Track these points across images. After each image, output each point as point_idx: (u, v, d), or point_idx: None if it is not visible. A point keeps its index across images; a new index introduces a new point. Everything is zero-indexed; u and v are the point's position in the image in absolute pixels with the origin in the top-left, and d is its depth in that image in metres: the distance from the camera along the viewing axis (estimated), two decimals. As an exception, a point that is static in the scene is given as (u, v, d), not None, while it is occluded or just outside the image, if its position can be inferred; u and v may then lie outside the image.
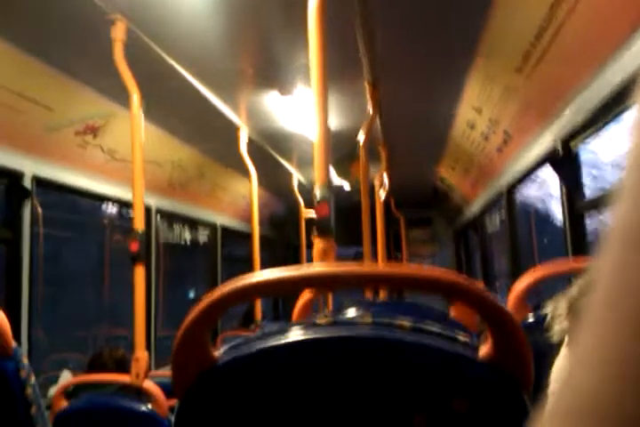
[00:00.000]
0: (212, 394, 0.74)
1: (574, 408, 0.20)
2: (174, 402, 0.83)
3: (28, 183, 2.91)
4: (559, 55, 2.25)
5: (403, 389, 0.72)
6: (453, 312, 1.70)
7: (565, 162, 2.67)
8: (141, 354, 2.31)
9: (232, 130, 3.90)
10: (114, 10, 2.27)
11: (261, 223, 4.68)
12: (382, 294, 2.82)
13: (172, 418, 0.79)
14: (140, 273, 2.41)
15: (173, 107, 3.45)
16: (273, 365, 0.74)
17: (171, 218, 4.92)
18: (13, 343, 1.39)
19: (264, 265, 4.64)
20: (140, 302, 2.40)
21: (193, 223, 5.40)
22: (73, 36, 2.43)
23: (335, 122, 3.77)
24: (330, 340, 0.73)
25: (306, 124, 3.69)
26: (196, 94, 3.13)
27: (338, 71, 2.64)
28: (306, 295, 1.70)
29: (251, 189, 4.22)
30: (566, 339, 0.68)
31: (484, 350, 0.72)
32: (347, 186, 5.69)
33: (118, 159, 3.52)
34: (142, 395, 2.19)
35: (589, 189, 2.71)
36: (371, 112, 3.09)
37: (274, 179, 5.29)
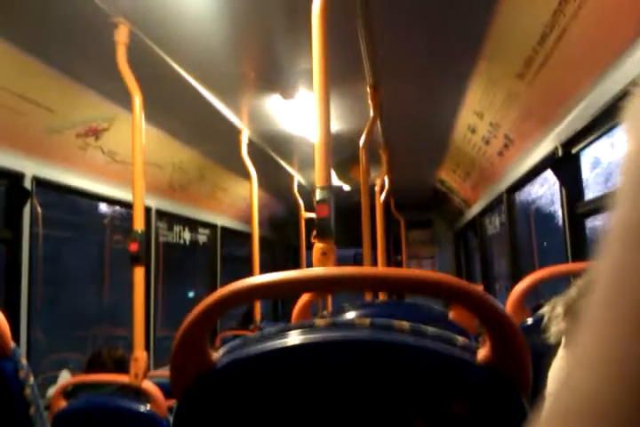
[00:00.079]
0: (210, 396, 0.74)
1: (573, 409, 0.21)
2: (173, 402, 0.83)
3: (28, 184, 2.91)
4: (561, 61, 2.25)
5: (402, 391, 0.72)
6: (453, 314, 1.70)
7: (566, 166, 2.67)
8: (140, 354, 2.32)
9: (233, 133, 3.90)
10: (117, 13, 2.27)
11: (261, 225, 4.69)
12: (382, 295, 2.82)
13: (171, 418, 0.80)
14: (139, 274, 2.42)
15: (175, 110, 3.45)
16: (271, 367, 0.74)
17: (171, 219, 4.92)
18: (12, 344, 1.39)
19: (264, 266, 4.65)
20: (140, 303, 2.40)
21: (193, 224, 5.40)
22: (76, 38, 2.43)
23: (336, 125, 3.77)
24: (328, 343, 0.73)
25: (307, 126, 3.70)
26: (198, 97, 3.14)
27: (340, 75, 2.65)
28: (305, 297, 1.70)
29: (251, 191, 4.22)
30: (563, 340, 0.68)
31: (483, 353, 0.73)
32: (346, 187, 5.69)
33: (119, 161, 3.52)
34: (141, 395, 2.19)
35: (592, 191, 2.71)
36: (372, 115, 3.10)
37: (274, 181, 5.30)
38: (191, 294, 7.05)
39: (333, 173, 4.67)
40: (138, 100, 2.48)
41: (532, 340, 0.76)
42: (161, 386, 2.21)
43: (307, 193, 5.51)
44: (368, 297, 2.59)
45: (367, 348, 0.73)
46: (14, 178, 2.86)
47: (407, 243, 7.34)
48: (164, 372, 3.34)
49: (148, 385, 2.19)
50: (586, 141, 2.52)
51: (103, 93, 3.02)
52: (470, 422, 0.71)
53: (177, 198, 4.69)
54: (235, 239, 6.37)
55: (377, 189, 4.22)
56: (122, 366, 2.59)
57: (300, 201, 5.70)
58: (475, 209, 5.53)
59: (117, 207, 4.12)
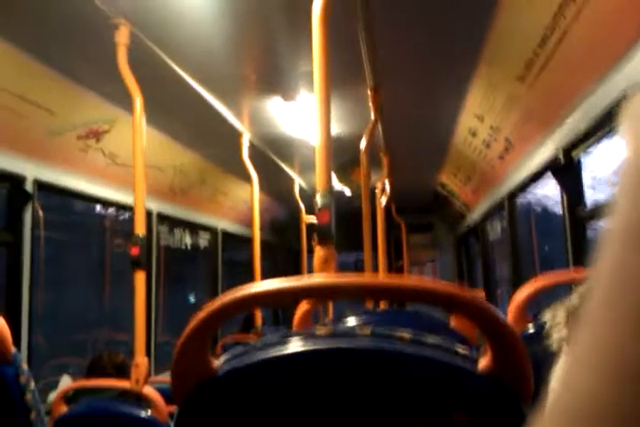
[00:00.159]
0: (210, 403, 0.74)
1: (573, 409, 0.21)
2: (174, 408, 0.83)
3: (29, 187, 2.91)
4: (562, 64, 2.25)
5: (402, 401, 0.72)
6: (454, 322, 1.70)
7: (567, 170, 2.67)
8: (141, 360, 2.31)
9: (234, 135, 3.90)
10: (118, 14, 2.27)
11: (262, 228, 4.68)
12: (383, 303, 2.81)
13: (172, 424, 0.79)
14: (140, 278, 2.41)
15: (176, 112, 3.45)
16: (272, 376, 0.73)
17: (172, 222, 4.92)
18: (13, 349, 1.39)
19: (264, 270, 4.64)
20: (141, 307, 2.40)
21: (194, 228, 5.40)
22: (77, 39, 2.43)
23: (337, 128, 3.77)
24: (329, 351, 0.73)
25: (308, 129, 3.70)
26: (198, 100, 3.14)
27: (340, 77, 2.65)
28: (305, 304, 1.70)
29: (252, 195, 4.22)
30: (565, 347, 0.68)
31: (484, 362, 0.72)
32: (348, 192, 5.69)
33: (119, 164, 3.52)
34: (142, 401, 2.19)
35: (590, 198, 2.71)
36: (373, 118, 3.10)
37: (275, 184, 5.30)
38: (192, 299, 7.05)
39: (334, 177, 4.67)
40: (139, 102, 2.47)
41: (533, 349, 0.76)
42: (162, 392, 2.20)
43: (308, 196, 5.51)
44: (369, 304, 2.58)
45: (368, 357, 0.73)
46: (15, 181, 2.86)
47: (408, 247, 7.34)
48: (165, 378, 3.33)
49: (148, 391, 2.18)
50: (587, 145, 2.51)
51: (104, 95, 3.02)
52: None
53: (178, 202, 4.69)
54: (236, 243, 6.37)
55: (378, 192, 4.22)
56: (122, 371, 2.59)
57: (302, 204, 5.70)
58: (476, 213, 5.53)
59: (118, 210, 4.11)
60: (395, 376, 0.72)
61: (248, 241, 4.82)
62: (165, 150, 4.01)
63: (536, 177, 3.34)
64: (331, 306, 4.03)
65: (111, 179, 3.60)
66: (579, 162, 2.67)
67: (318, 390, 0.73)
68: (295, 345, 0.73)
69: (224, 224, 5.77)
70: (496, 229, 5.16)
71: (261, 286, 0.73)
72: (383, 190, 4.41)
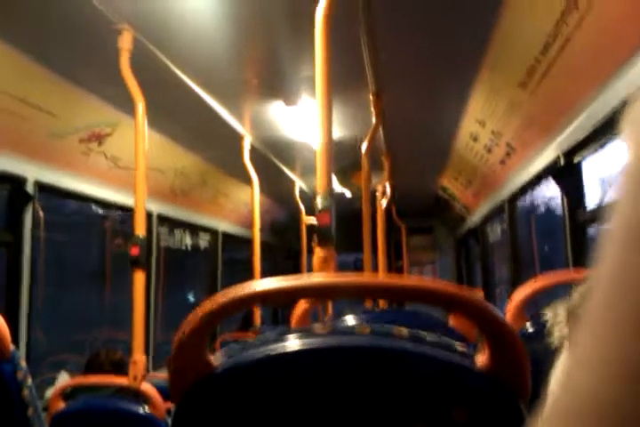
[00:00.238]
0: (208, 400, 0.75)
1: (573, 408, 0.21)
2: (172, 405, 0.83)
3: (30, 188, 2.92)
4: (564, 70, 2.26)
5: (402, 398, 0.72)
6: (452, 321, 1.71)
7: (568, 175, 2.68)
8: (139, 357, 2.31)
9: (235, 139, 3.91)
10: (121, 19, 2.28)
11: (263, 230, 4.69)
12: (382, 303, 2.82)
13: (170, 421, 0.80)
14: (139, 278, 2.42)
15: (178, 115, 3.46)
16: (270, 373, 0.74)
17: (172, 224, 4.93)
18: (11, 346, 1.40)
19: (264, 270, 4.64)
20: (140, 307, 2.40)
21: (194, 229, 5.40)
22: (80, 44, 2.44)
23: (338, 132, 3.78)
24: (327, 349, 0.74)
25: (309, 133, 3.71)
26: (200, 103, 3.15)
27: (342, 82, 2.66)
28: (304, 303, 1.70)
29: (252, 197, 4.23)
30: (566, 345, 0.69)
31: (482, 360, 0.73)
32: (348, 193, 5.70)
33: (121, 166, 3.53)
34: (140, 397, 2.19)
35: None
36: (374, 122, 3.10)
37: (276, 186, 5.31)
38: (191, 299, 7.04)
39: (335, 180, 4.68)
40: (141, 105, 2.49)
41: (532, 347, 0.77)
42: (160, 388, 2.21)
43: (308, 198, 5.52)
44: (368, 304, 2.59)
45: (366, 354, 0.73)
46: (16, 182, 2.87)
47: (408, 249, 7.34)
48: (163, 374, 3.34)
49: (146, 387, 2.19)
50: (588, 151, 2.52)
51: (106, 99, 3.03)
52: None
53: (179, 203, 4.69)
54: (236, 244, 6.36)
55: (378, 195, 4.22)
56: (120, 368, 2.59)
57: (302, 206, 5.71)
58: (476, 216, 5.53)
59: (115, 210, 4.12)
60: (393, 374, 0.72)
61: (248, 242, 4.82)
62: (167, 153, 4.02)
63: (536, 181, 3.35)
64: (330, 305, 4.03)
65: (113, 181, 3.61)
66: (579, 166, 2.68)
67: (316, 388, 0.73)
68: (293, 343, 0.74)
69: (224, 226, 5.78)
70: (496, 232, 5.16)
71: (261, 284, 0.74)
72: (384, 193, 4.42)
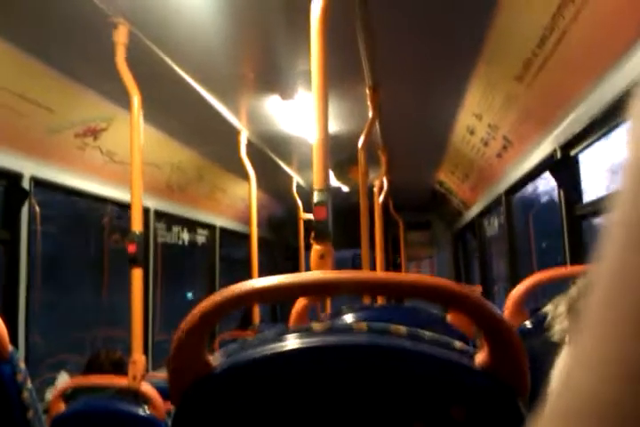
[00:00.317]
0: (208, 400, 0.74)
1: (573, 408, 0.20)
2: (171, 405, 0.83)
3: (26, 184, 2.91)
4: (560, 64, 2.26)
5: (400, 396, 0.72)
6: (450, 317, 1.71)
7: (564, 168, 2.67)
8: (138, 357, 2.31)
9: (232, 133, 3.90)
10: (116, 13, 2.27)
11: (260, 225, 4.69)
12: (380, 299, 2.82)
13: (169, 421, 0.80)
14: (137, 275, 2.41)
15: (174, 110, 3.45)
16: (269, 372, 0.74)
17: (169, 220, 4.92)
18: (10, 347, 1.39)
19: (262, 266, 4.64)
20: (138, 305, 2.40)
21: (191, 225, 5.40)
22: (75, 38, 2.43)
23: (335, 126, 3.78)
24: (326, 347, 0.73)
25: (306, 127, 3.70)
26: (196, 98, 3.14)
27: (339, 76, 2.65)
28: (302, 300, 1.70)
29: (250, 192, 4.23)
30: (567, 338, 0.68)
31: (481, 357, 0.73)
32: (345, 188, 5.70)
33: (117, 161, 3.52)
34: (139, 398, 2.19)
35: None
36: (371, 116, 3.10)
37: (273, 181, 5.31)
38: (190, 296, 7.05)
39: (332, 174, 4.67)
40: (136, 100, 2.47)
41: (531, 343, 0.76)
42: (159, 388, 2.21)
43: (305, 194, 5.52)
44: (367, 300, 2.59)
45: (364, 352, 0.73)
46: (12, 178, 2.86)
47: (406, 244, 7.36)
48: (163, 374, 3.34)
49: (146, 388, 2.19)
50: (584, 144, 2.52)
51: (102, 93, 3.02)
52: None
53: (175, 199, 4.69)
54: (233, 240, 6.36)
55: (375, 190, 4.22)
56: (120, 368, 2.59)
57: (299, 202, 5.71)
58: (473, 211, 5.54)
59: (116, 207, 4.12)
60: (391, 372, 0.72)
61: (246, 238, 4.82)
62: (163, 148, 4.01)
63: (533, 175, 3.35)
64: (328, 302, 4.03)
65: (109, 176, 3.60)
66: (576, 160, 2.68)
67: (315, 387, 0.73)
68: (292, 342, 0.74)
69: (222, 221, 5.78)
70: (493, 225, 5.17)
71: (259, 281, 0.73)
72: (381, 188, 4.42)
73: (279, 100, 3.35)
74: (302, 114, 3.51)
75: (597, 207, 2.44)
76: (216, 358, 0.76)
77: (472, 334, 1.62)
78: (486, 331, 0.71)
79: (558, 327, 0.68)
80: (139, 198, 2.45)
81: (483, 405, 0.72)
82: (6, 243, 2.86)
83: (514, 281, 3.60)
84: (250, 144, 4.06)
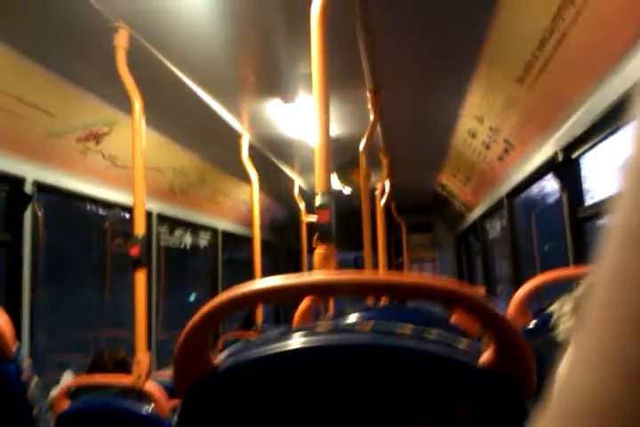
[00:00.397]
0: (212, 399, 0.75)
1: (573, 409, 0.21)
2: (176, 404, 0.83)
3: (29, 188, 2.92)
4: (561, 66, 2.26)
5: (403, 396, 0.72)
6: (454, 317, 1.71)
7: (566, 171, 2.68)
8: (142, 357, 2.32)
9: (234, 137, 3.91)
10: (117, 18, 2.28)
11: (262, 228, 4.69)
12: (384, 300, 2.82)
13: (174, 420, 0.80)
14: (140, 277, 2.42)
15: (175, 114, 3.46)
16: (273, 371, 0.74)
17: (172, 223, 4.93)
18: (15, 346, 1.39)
19: (265, 269, 4.65)
20: (141, 306, 2.41)
21: (194, 228, 5.41)
22: (76, 42, 2.44)
23: (336, 129, 3.78)
24: (330, 347, 0.74)
25: (308, 131, 3.70)
26: (198, 102, 3.14)
27: (340, 79, 2.66)
28: (306, 301, 1.71)
29: (252, 195, 4.23)
30: (572, 339, 0.68)
31: (485, 356, 0.73)
32: (347, 191, 5.71)
33: (119, 165, 3.53)
34: (144, 397, 2.20)
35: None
36: (372, 119, 3.10)
37: (275, 185, 5.31)
38: (192, 298, 7.05)
39: (334, 177, 4.68)
40: (138, 104, 2.48)
41: (535, 343, 0.76)
42: (165, 387, 2.21)
43: (307, 196, 5.53)
44: (370, 301, 2.59)
45: (368, 352, 0.73)
46: (15, 182, 2.87)
47: (408, 246, 7.35)
48: (168, 372, 3.34)
49: (150, 387, 2.19)
50: (586, 146, 2.52)
51: (103, 98, 3.03)
52: (472, 426, 0.71)
53: (178, 202, 4.69)
54: (236, 243, 6.37)
55: (377, 192, 4.22)
56: (124, 367, 2.60)
57: (301, 204, 5.72)
58: (475, 213, 5.54)
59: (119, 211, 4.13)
60: (395, 371, 0.72)
61: (248, 241, 4.82)
62: (165, 152, 4.02)
63: (535, 177, 3.35)
64: (331, 303, 4.04)
65: (111, 180, 3.60)
66: (578, 162, 2.68)
67: (318, 386, 0.73)
68: (295, 341, 0.74)
69: (224, 224, 5.78)
70: (496, 228, 5.17)
71: (263, 282, 0.74)
72: (383, 191, 4.42)
73: (280, 104, 3.35)
74: (304, 117, 3.52)
75: (600, 209, 2.44)
76: (220, 358, 0.76)
77: (476, 333, 1.62)
78: (491, 329, 0.72)
79: (563, 327, 0.68)
80: (141, 202, 2.46)
81: (488, 403, 0.72)
82: (9, 246, 2.87)
83: (517, 283, 3.60)
84: (251, 147, 4.07)
